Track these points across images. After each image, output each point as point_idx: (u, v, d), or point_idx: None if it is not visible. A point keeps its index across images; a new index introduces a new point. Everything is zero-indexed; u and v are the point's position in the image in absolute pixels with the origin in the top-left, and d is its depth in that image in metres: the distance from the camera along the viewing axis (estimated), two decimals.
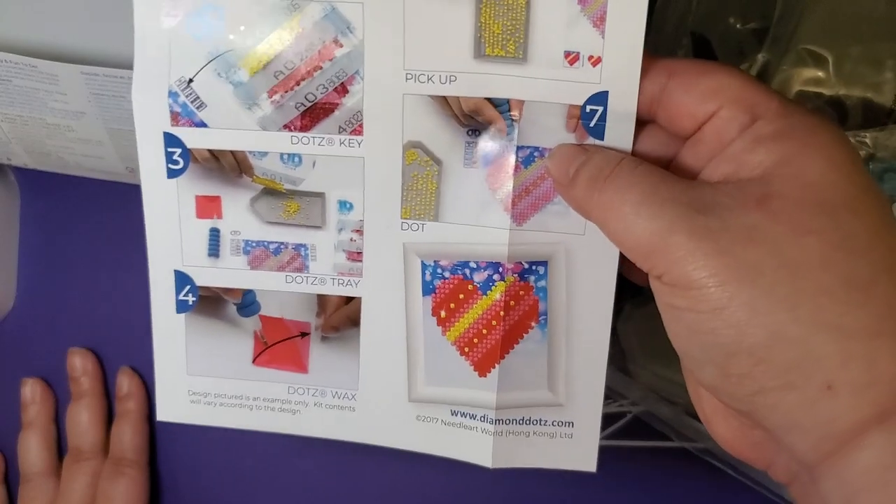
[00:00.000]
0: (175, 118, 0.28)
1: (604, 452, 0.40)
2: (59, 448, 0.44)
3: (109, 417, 0.44)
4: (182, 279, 0.30)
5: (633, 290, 0.34)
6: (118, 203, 0.42)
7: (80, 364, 0.43)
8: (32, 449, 0.43)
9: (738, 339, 0.21)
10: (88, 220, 0.43)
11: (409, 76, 0.27)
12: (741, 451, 0.25)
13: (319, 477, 0.44)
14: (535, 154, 0.27)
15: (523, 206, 0.27)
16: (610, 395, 0.37)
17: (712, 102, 0.24)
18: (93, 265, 0.43)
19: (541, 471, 0.35)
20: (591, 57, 0.25)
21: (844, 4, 0.33)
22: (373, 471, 0.44)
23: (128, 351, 0.43)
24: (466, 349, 0.29)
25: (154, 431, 0.43)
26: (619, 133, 0.26)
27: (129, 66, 0.27)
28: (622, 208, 0.23)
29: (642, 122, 0.26)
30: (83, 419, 0.43)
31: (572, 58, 0.25)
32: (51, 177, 0.40)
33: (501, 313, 0.28)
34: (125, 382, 0.43)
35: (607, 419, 0.38)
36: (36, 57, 0.29)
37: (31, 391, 0.43)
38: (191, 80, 0.27)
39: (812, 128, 0.23)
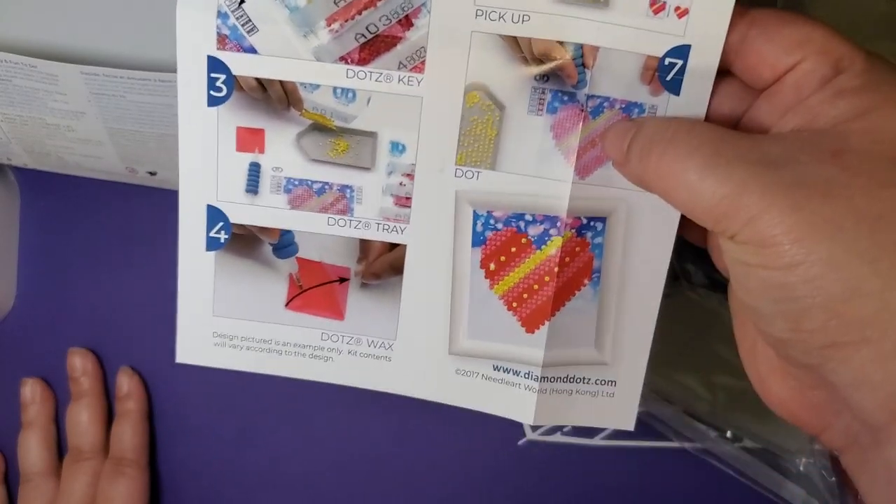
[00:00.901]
0: (222, 41, 0.26)
1: (604, 452, 0.41)
2: (60, 448, 0.44)
3: (109, 417, 0.43)
4: (215, 215, 0.28)
5: None
6: (118, 203, 0.42)
7: (80, 364, 0.43)
8: (32, 449, 0.43)
9: (814, 294, 0.21)
10: (88, 220, 0.43)
11: (479, 12, 0.25)
12: (796, 413, 0.25)
13: (320, 477, 0.44)
14: (605, 105, 0.26)
15: (588, 158, 0.26)
16: None
17: (796, 53, 0.23)
18: (93, 265, 0.43)
19: (541, 471, 0.35)
20: (678, 8, 0.24)
21: (844, 4, 0.32)
22: (379, 472, 0.44)
23: (128, 351, 0.44)
24: (515, 304, 0.28)
25: (154, 431, 0.44)
26: (696, 89, 0.25)
27: (130, 66, 0.26)
28: (686, 175, 0.22)
29: (717, 73, 0.25)
30: (83, 419, 0.42)
31: (658, 7, 0.24)
32: (51, 177, 0.39)
33: (556, 269, 0.27)
34: (125, 382, 0.43)
35: None
36: (36, 57, 0.29)
37: (31, 391, 0.43)
38: (242, 1, 0.25)
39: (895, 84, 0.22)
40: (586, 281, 0.27)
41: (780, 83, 0.24)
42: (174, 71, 0.26)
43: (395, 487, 0.44)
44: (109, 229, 0.42)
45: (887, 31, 0.32)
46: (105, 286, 0.43)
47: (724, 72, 0.25)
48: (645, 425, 0.37)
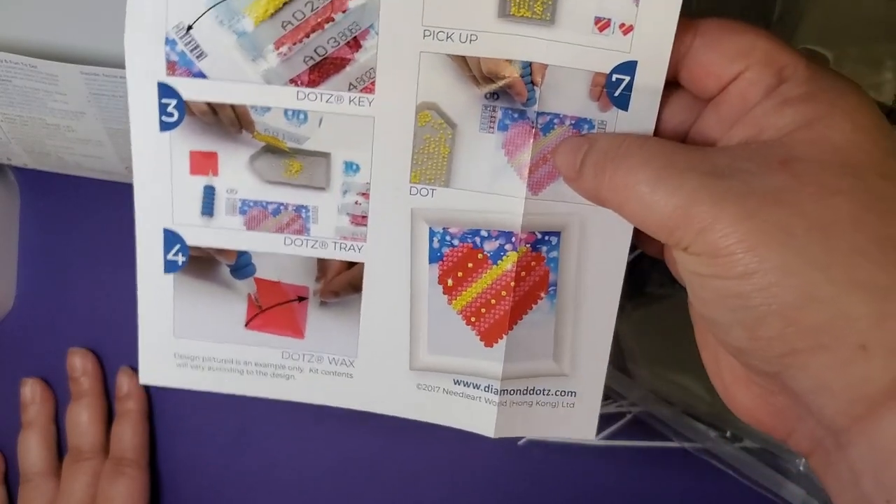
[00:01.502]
0: (171, 67, 0.26)
1: (604, 452, 0.41)
2: (60, 448, 0.44)
3: (109, 417, 0.43)
4: (171, 238, 0.28)
5: (633, 291, 0.34)
6: (118, 203, 0.41)
7: (80, 364, 0.42)
8: (32, 449, 0.43)
9: (769, 302, 0.21)
10: (88, 220, 0.43)
11: (427, 33, 0.25)
12: (761, 420, 0.25)
13: (319, 477, 0.44)
14: (556, 121, 0.26)
15: (540, 174, 0.26)
16: (610, 395, 0.37)
17: (739, 63, 0.23)
18: (93, 265, 0.43)
19: (541, 471, 0.35)
20: (622, 25, 0.24)
21: (844, 5, 0.32)
22: (378, 471, 0.44)
23: (128, 351, 0.42)
24: (473, 319, 0.28)
25: (154, 431, 0.43)
26: (644, 104, 0.25)
27: None
28: (637, 188, 0.22)
29: (666, 84, 0.25)
30: (83, 419, 0.42)
31: (603, 24, 0.24)
32: (51, 177, 0.39)
33: (512, 284, 0.27)
34: (125, 382, 0.43)
35: (607, 419, 0.39)
36: (36, 57, 0.29)
37: (31, 391, 0.43)
38: (190, 27, 0.25)
39: (839, 91, 0.22)
40: (543, 294, 0.28)
41: (726, 93, 0.24)
42: None
43: (395, 486, 0.44)
44: (109, 229, 0.42)
45: (887, 32, 0.32)
46: (105, 286, 0.43)
47: (672, 83, 0.25)
48: (645, 425, 0.38)
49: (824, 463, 0.23)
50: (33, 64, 0.29)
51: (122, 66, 0.28)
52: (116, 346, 0.43)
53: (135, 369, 0.41)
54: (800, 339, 0.21)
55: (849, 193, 0.21)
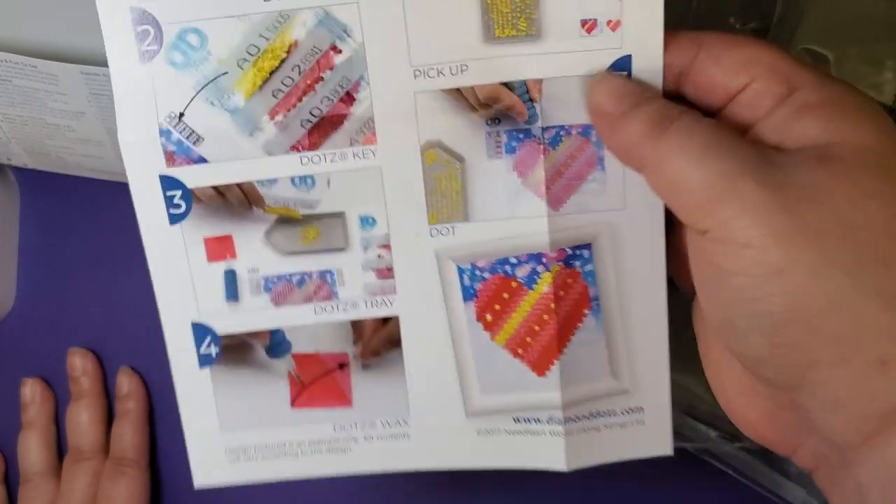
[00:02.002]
0: (170, 158, 0.25)
1: None
2: (60, 448, 0.44)
3: (109, 417, 0.43)
4: (201, 331, 0.27)
5: None
6: (118, 203, 0.43)
7: (80, 364, 0.43)
8: (32, 449, 0.43)
9: (793, 306, 0.20)
10: (88, 220, 0.43)
11: (417, 72, 0.25)
12: (765, 435, 0.24)
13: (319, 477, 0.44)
14: (562, 133, 0.25)
15: (558, 188, 0.26)
16: None
17: (744, 74, 0.23)
18: (93, 265, 0.43)
19: (541, 472, 0.34)
20: (609, 21, 0.24)
21: (844, 4, 0.32)
22: (375, 476, 0.44)
23: (128, 351, 0.43)
24: (520, 350, 0.27)
25: (154, 431, 0.43)
26: None
27: None
28: (688, 148, 0.22)
29: (671, 97, 0.24)
30: (83, 419, 0.42)
31: (589, 25, 0.24)
32: (51, 177, 0.40)
33: (552, 306, 0.26)
34: (125, 382, 0.43)
35: None
36: (36, 57, 0.29)
37: (31, 391, 0.43)
38: (182, 114, 0.25)
39: (853, 97, 0.22)
40: (586, 311, 0.27)
41: (734, 104, 0.23)
42: None
43: (396, 485, 0.43)
44: (109, 229, 0.42)
45: (887, 32, 0.32)
46: (105, 286, 0.43)
47: (677, 97, 0.25)
48: None
49: (829, 478, 0.23)
50: (33, 64, 0.29)
51: None
52: (116, 346, 0.43)
53: (135, 369, 0.42)
54: (821, 349, 0.20)
55: (882, 197, 0.20)
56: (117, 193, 0.39)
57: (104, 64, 0.26)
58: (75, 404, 0.43)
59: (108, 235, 0.42)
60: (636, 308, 0.27)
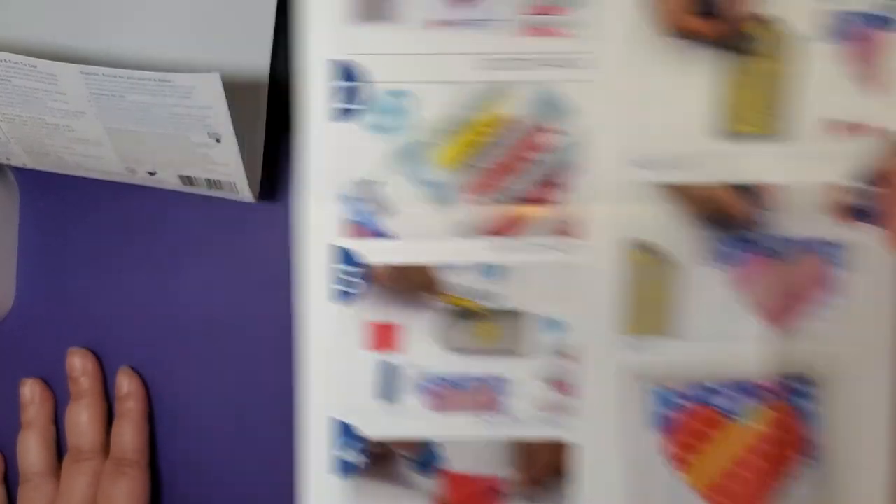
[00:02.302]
0: (349, 228, 0.23)
1: None
2: (59, 448, 0.44)
3: (109, 417, 0.43)
4: (340, 429, 0.24)
5: None
6: (118, 203, 0.43)
7: (79, 364, 0.43)
8: (32, 449, 0.42)
9: None
10: (88, 220, 0.43)
11: (635, 162, 0.22)
12: None
13: None
14: (795, 247, 0.22)
15: (782, 310, 0.22)
16: None
17: None
18: (93, 265, 0.44)
19: None
20: (868, 125, 0.21)
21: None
22: None
23: (128, 351, 0.44)
24: (716, 497, 0.23)
25: (154, 431, 0.43)
26: None
27: (129, 66, 0.26)
28: None
29: None
30: (83, 419, 0.42)
31: (849, 128, 0.22)
32: (51, 177, 0.41)
33: (763, 448, 0.22)
34: (125, 382, 0.42)
35: None
36: (36, 57, 0.29)
37: (31, 391, 0.43)
38: (371, 182, 0.22)
39: None
40: (802, 459, 0.23)
41: None
42: (174, 71, 0.25)
43: None
44: (109, 229, 0.43)
45: None
46: (105, 286, 0.43)
47: None
48: None
49: None
50: (33, 64, 0.29)
51: (122, 65, 0.29)
52: (116, 346, 0.43)
53: (135, 369, 0.42)
54: None
55: None
56: (117, 193, 0.41)
57: (104, 64, 0.27)
58: (75, 404, 0.43)
59: (108, 235, 0.43)
60: (861, 466, 0.22)
